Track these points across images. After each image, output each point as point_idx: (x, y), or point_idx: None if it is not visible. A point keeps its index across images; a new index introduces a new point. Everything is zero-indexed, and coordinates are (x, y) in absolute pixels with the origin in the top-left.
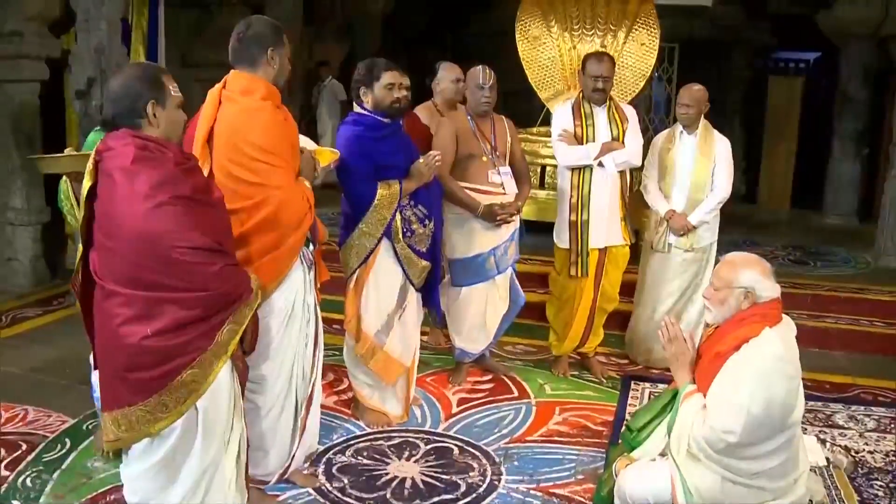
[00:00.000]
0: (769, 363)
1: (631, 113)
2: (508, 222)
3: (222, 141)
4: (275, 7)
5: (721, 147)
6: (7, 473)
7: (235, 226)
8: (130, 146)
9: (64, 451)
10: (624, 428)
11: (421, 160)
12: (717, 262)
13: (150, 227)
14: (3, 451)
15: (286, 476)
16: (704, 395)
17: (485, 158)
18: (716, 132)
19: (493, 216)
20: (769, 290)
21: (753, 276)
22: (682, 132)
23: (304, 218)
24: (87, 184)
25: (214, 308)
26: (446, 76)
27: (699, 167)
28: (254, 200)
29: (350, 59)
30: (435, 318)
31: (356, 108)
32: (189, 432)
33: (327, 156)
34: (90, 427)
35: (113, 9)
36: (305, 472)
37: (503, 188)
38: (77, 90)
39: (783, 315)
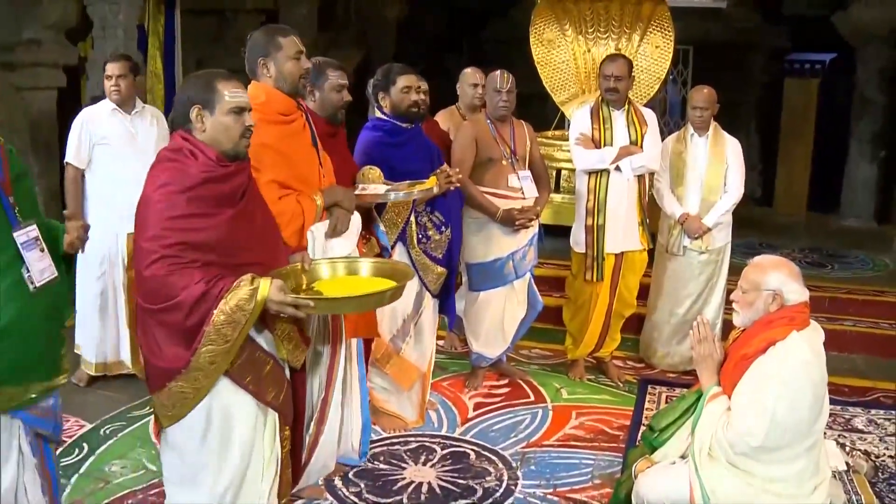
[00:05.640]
0: (796, 367)
1: (651, 117)
2: (527, 227)
3: None
4: (289, 14)
5: (732, 148)
6: None
7: None
8: (165, 148)
9: (81, 455)
10: (646, 427)
11: (439, 171)
12: (731, 263)
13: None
14: None
15: (295, 492)
16: (729, 398)
17: (504, 162)
18: (725, 133)
19: (511, 221)
20: (797, 292)
21: (781, 277)
22: (692, 135)
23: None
24: None
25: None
26: (464, 81)
27: (712, 169)
28: None
29: (365, 64)
30: (446, 323)
31: (376, 114)
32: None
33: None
34: (107, 432)
35: (130, 16)
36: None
37: (523, 192)
38: (93, 97)
39: (811, 321)
